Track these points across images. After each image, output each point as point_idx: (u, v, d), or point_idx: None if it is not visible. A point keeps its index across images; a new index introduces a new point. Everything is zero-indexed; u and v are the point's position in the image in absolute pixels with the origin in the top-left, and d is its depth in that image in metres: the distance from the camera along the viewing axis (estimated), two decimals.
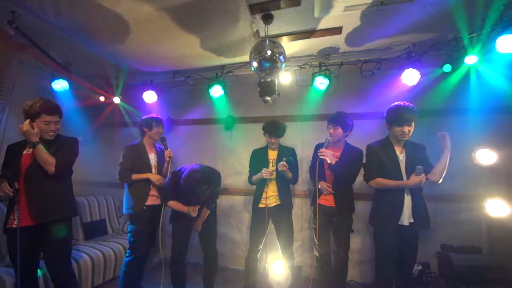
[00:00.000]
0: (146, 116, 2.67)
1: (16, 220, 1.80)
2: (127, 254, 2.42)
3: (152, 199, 2.52)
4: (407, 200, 2.06)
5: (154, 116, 2.67)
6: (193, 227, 2.47)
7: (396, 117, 2.07)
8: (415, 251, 2.11)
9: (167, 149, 2.66)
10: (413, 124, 2.07)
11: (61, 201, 1.98)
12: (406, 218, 2.04)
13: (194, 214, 2.29)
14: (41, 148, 1.85)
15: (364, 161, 2.33)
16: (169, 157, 2.63)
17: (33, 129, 1.84)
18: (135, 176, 2.46)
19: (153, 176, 2.51)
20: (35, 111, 1.88)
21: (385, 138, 2.23)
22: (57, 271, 1.95)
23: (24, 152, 1.92)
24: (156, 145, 2.73)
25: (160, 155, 2.69)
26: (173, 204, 2.34)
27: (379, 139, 2.29)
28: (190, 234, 2.44)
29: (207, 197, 2.17)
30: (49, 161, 1.87)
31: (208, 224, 2.50)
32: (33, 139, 1.84)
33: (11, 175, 1.79)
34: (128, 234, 2.44)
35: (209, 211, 2.46)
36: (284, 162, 2.38)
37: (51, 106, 1.95)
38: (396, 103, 2.13)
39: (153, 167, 2.59)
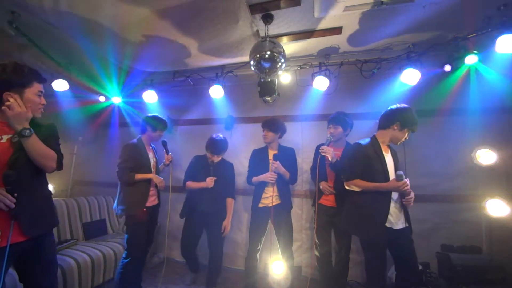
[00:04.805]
0: (152, 115, 2.55)
1: None
2: (123, 256, 2.36)
3: (151, 200, 2.46)
4: (393, 202, 1.93)
5: (162, 119, 2.56)
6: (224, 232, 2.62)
7: (417, 122, 1.97)
8: (413, 254, 1.97)
9: (168, 153, 2.65)
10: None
11: (51, 206, 1.59)
12: (392, 221, 1.91)
13: (211, 185, 2.54)
14: (36, 137, 1.38)
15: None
16: (170, 161, 2.63)
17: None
18: (138, 176, 2.36)
19: (156, 178, 2.43)
20: (24, 79, 1.38)
21: (372, 138, 2.06)
22: None
23: None
24: (151, 143, 2.64)
25: (156, 154, 2.64)
26: (191, 183, 2.65)
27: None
28: (200, 230, 2.67)
29: (218, 144, 2.68)
30: (50, 155, 1.44)
31: (219, 220, 2.64)
32: (26, 124, 1.34)
33: (15, 179, 1.29)
34: (125, 236, 2.36)
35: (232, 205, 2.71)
36: (272, 161, 2.47)
37: (38, 72, 1.46)
38: (405, 105, 2.02)
39: (152, 166, 2.52)
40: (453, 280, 2.33)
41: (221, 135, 2.73)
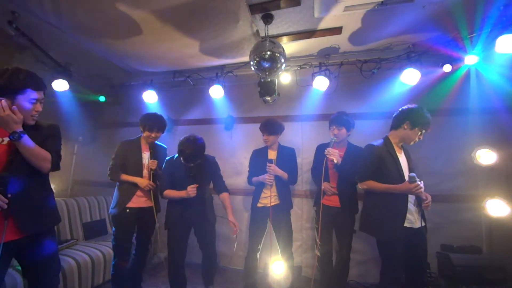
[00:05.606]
0: (145, 114, 2.46)
1: None
2: (112, 257, 2.36)
3: (140, 201, 2.37)
4: (411, 201, 1.94)
5: (150, 118, 2.41)
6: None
7: (429, 121, 1.96)
8: (425, 254, 1.98)
9: (151, 159, 2.44)
10: None
11: (50, 205, 1.61)
12: (413, 220, 1.92)
13: (193, 194, 2.18)
14: (29, 139, 1.42)
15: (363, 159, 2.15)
16: (151, 169, 2.41)
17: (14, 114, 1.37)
18: (124, 177, 2.33)
19: (142, 181, 2.33)
20: (17, 85, 1.39)
21: (385, 138, 2.08)
22: None
23: None
24: (156, 143, 2.53)
25: (153, 155, 2.50)
26: (169, 192, 2.28)
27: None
28: (187, 241, 2.36)
29: (192, 151, 2.17)
30: (44, 157, 1.47)
31: (207, 225, 2.39)
32: (16, 127, 1.37)
33: (8, 180, 1.34)
34: (112, 237, 2.34)
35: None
36: (268, 164, 2.44)
37: (37, 78, 1.48)
38: (415, 105, 2.01)
39: (145, 167, 2.42)
40: (453, 280, 2.33)
41: (195, 136, 2.26)
